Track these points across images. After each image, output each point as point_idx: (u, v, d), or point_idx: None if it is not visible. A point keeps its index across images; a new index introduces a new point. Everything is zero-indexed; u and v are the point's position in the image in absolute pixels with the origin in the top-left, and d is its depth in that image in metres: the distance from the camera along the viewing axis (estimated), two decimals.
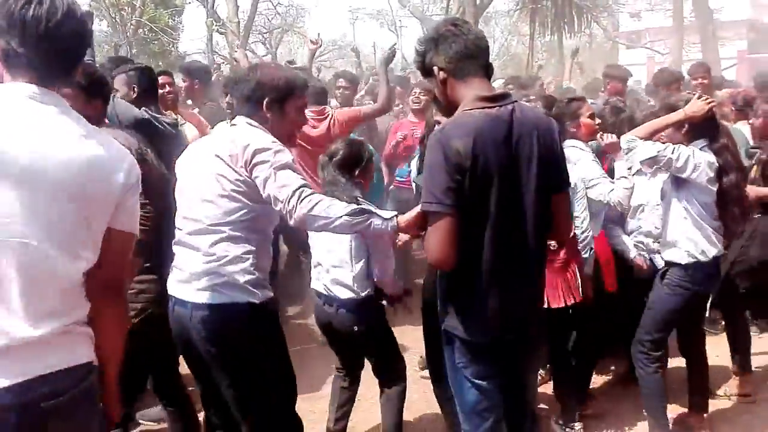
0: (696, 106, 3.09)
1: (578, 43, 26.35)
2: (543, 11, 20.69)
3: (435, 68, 2.08)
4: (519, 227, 2.05)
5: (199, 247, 2.28)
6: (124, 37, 13.12)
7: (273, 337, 2.42)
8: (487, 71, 2.11)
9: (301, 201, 2.10)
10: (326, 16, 64.47)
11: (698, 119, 3.09)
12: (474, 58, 2.06)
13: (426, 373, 3.76)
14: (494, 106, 2.01)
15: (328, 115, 4.65)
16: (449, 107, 2.13)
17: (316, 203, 2.10)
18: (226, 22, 15.09)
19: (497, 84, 8.45)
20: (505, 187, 1.98)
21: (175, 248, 2.39)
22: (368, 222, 2.13)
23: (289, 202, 2.12)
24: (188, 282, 2.31)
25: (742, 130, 4.40)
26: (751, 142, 4.18)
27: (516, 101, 2.07)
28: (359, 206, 2.17)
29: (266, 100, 2.32)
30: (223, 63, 13.74)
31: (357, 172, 2.99)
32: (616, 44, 24.42)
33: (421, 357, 4.03)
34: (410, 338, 4.11)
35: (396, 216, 2.17)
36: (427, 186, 1.98)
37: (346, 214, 2.10)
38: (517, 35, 30.56)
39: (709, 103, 3.13)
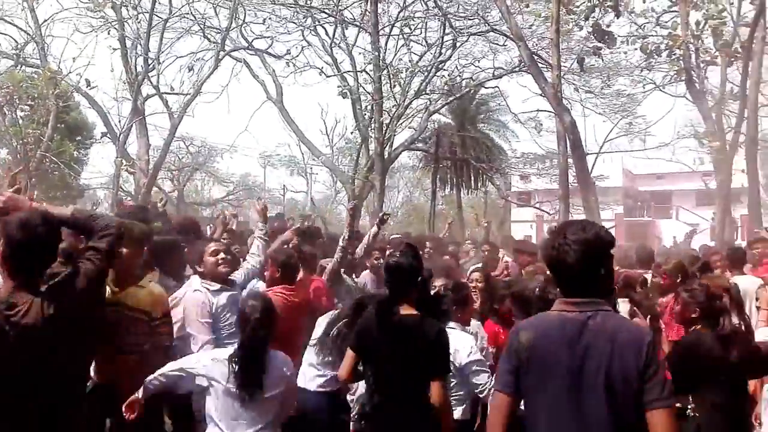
0: None
1: (475, 199, 28.47)
2: (443, 169, 22.49)
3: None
4: None
5: None
6: (26, 169, 12.78)
7: None
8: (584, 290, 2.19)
9: None
10: (239, 158, 65.72)
11: None
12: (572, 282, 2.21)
13: None
14: (573, 311, 2.15)
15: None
16: None
17: None
18: (135, 160, 15.09)
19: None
20: (561, 389, 2.09)
21: None
22: None
23: None
24: None
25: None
26: None
27: (602, 311, 2.14)
28: None
29: None
30: (128, 199, 13.59)
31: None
32: (508, 203, 26.41)
33: None
34: None
35: None
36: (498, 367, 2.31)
37: None
38: (420, 188, 32.44)
39: None
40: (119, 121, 15.86)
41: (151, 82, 15.84)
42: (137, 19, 15.57)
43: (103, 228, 2.76)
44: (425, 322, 3.08)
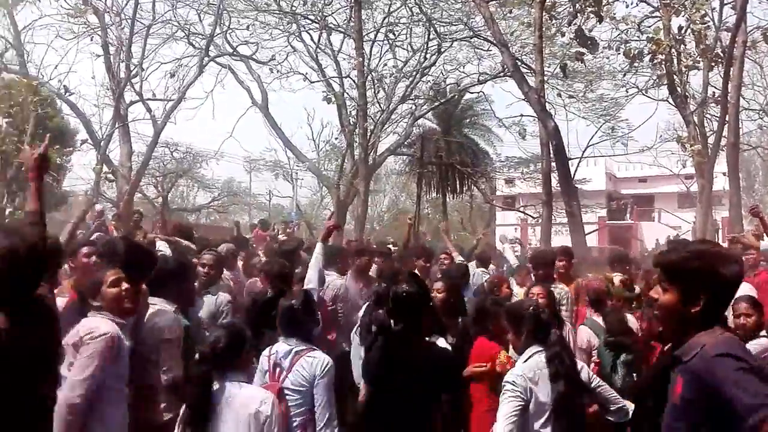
0: None
1: (460, 203, 28.53)
2: (429, 174, 22.53)
3: (701, 297, 2.06)
4: None
5: None
6: (3, 176, 12.61)
7: None
8: None
9: None
10: (224, 163, 65.34)
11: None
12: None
13: None
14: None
15: None
16: (670, 327, 2.19)
17: None
18: (117, 167, 14.94)
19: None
20: None
21: None
22: None
23: None
24: None
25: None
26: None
27: None
28: None
29: None
30: (110, 207, 13.46)
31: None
32: (493, 207, 26.50)
33: None
34: None
35: None
36: (757, 393, 1.88)
37: None
38: (405, 192, 32.45)
39: None
40: (101, 128, 15.73)
41: (134, 89, 15.73)
42: (120, 25, 15.45)
43: None
44: (435, 349, 3.26)
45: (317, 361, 3.32)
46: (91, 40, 15.63)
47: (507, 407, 3.06)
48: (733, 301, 4.60)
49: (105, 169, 14.91)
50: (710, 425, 1.99)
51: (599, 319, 4.56)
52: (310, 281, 4.43)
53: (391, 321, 3.35)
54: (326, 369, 3.32)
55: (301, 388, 3.27)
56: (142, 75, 15.82)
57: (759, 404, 1.81)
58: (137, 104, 16.06)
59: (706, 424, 1.99)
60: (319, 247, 4.65)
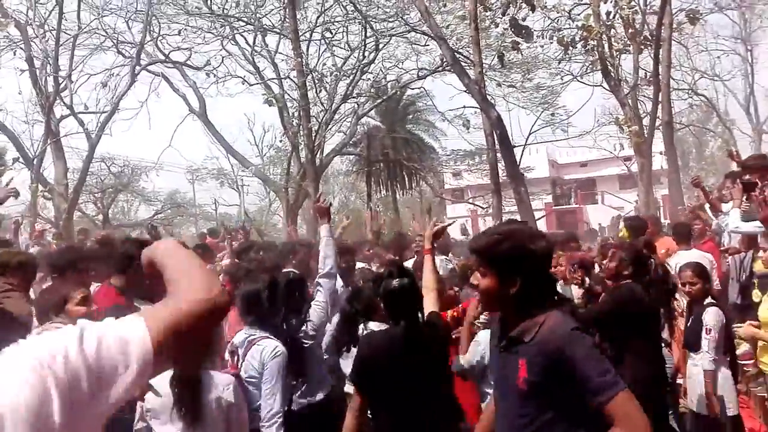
0: None
1: (410, 199, 28.67)
2: (377, 172, 22.59)
3: (517, 277, 2.05)
4: None
5: None
6: None
7: None
8: None
9: None
10: (165, 175, 63.75)
11: None
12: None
13: None
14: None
15: None
16: (496, 310, 2.23)
17: None
18: (53, 186, 14.30)
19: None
20: None
21: None
22: None
23: None
24: None
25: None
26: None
27: None
28: None
29: None
30: (49, 228, 12.85)
31: None
32: (443, 200, 26.75)
33: None
34: None
35: None
36: (606, 372, 1.90)
37: None
38: (355, 192, 32.41)
39: None
40: (32, 145, 15.03)
41: (64, 102, 15.09)
42: (44, 37, 14.79)
43: None
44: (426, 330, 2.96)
45: (267, 348, 3.16)
46: (14, 54, 14.93)
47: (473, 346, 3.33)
48: (678, 269, 4.75)
49: (41, 187, 14.26)
50: (556, 406, 1.96)
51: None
52: (327, 265, 4.03)
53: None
54: (274, 355, 3.14)
55: (253, 379, 3.14)
56: (72, 88, 15.19)
57: (609, 383, 1.85)
58: (69, 118, 15.43)
59: (553, 406, 1.96)
60: (325, 228, 4.27)
